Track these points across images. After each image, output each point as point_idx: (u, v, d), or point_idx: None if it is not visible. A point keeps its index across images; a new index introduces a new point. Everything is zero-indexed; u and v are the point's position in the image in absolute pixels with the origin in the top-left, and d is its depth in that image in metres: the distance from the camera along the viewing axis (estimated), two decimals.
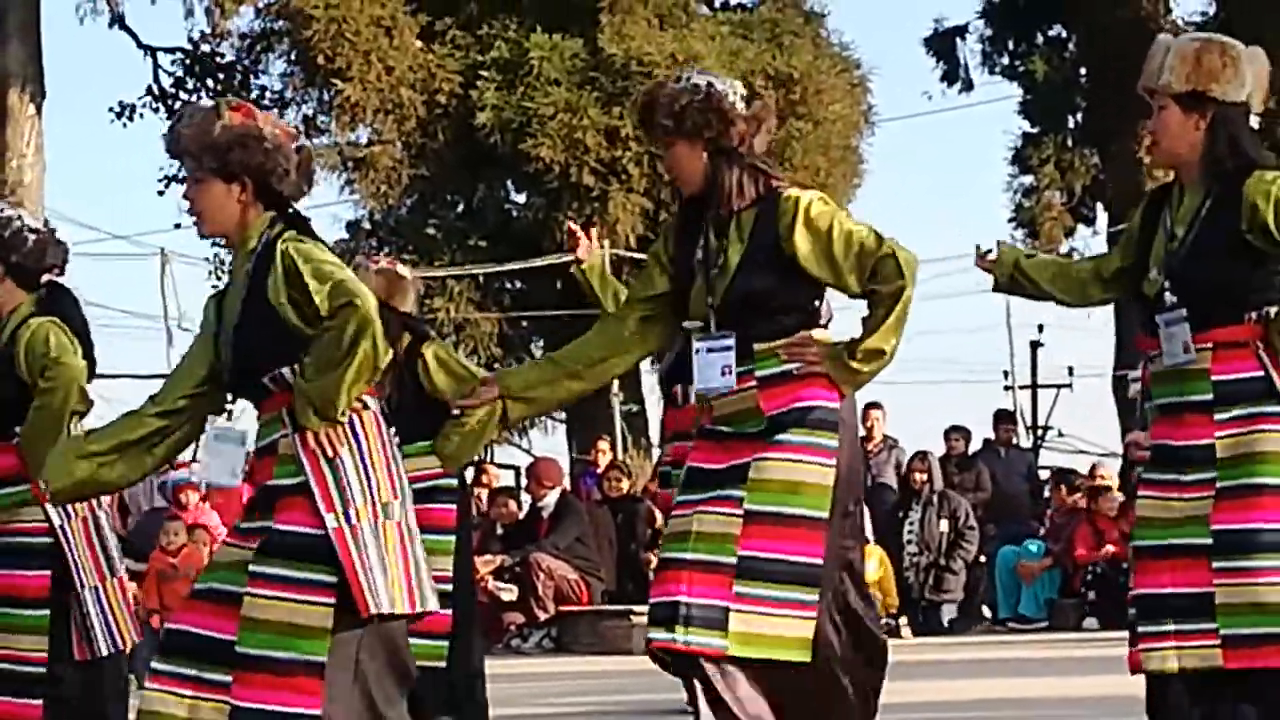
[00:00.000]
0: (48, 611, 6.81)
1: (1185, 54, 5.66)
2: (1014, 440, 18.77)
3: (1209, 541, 5.59)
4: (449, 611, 9.15)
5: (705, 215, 5.67)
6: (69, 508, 6.80)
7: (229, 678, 4.92)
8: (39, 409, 6.73)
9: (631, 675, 9.81)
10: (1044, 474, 19.61)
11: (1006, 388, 23.26)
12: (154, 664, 5.09)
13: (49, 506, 6.80)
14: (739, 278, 5.57)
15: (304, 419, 5.01)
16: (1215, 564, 5.58)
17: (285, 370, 5.07)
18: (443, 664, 9.15)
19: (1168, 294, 5.67)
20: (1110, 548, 15.19)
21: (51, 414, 6.74)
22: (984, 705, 8.79)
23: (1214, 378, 5.62)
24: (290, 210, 5.22)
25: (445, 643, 9.11)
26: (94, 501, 6.88)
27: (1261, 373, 5.60)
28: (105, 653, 6.83)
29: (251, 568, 4.96)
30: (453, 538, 9.25)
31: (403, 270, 9.25)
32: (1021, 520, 17.25)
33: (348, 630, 4.97)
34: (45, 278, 7.03)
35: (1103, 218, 27.87)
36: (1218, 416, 5.61)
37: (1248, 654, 5.57)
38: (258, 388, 5.16)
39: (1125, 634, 5.87)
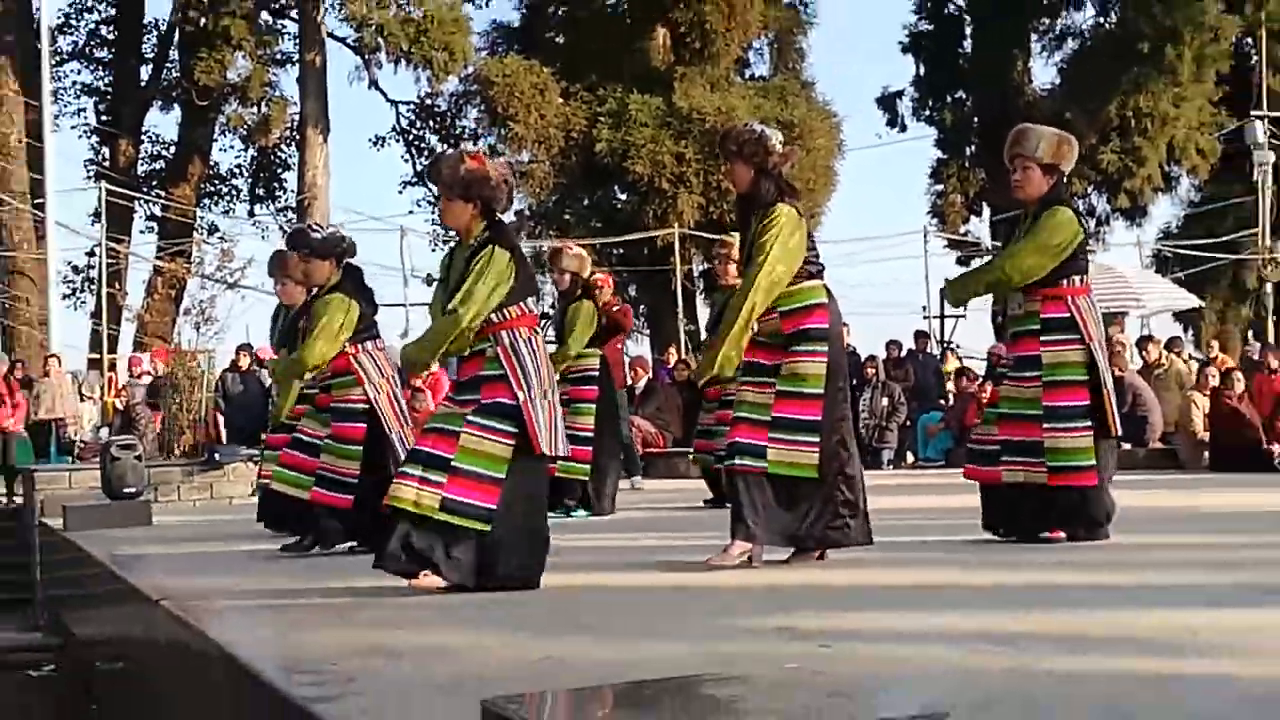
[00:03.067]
0: (362, 448, 6.98)
1: (1052, 140, 6.03)
2: (929, 349, 18.70)
3: (1040, 412, 5.98)
4: (590, 449, 9.22)
5: (750, 212, 5.74)
6: (377, 385, 6.94)
7: (444, 479, 4.99)
8: (299, 350, 7.06)
9: (686, 492, 9.89)
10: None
11: (925, 317, 23.12)
12: (400, 468, 5.17)
13: (366, 387, 6.95)
14: (745, 256, 5.67)
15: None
16: (1044, 425, 5.97)
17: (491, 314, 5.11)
18: (586, 478, 9.26)
19: None
20: None
21: (296, 364, 7.08)
22: (905, 513, 8.83)
23: (1042, 316, 5.98)
24: (498, 218, 5.28)
25: (588, 466, 9.21)
26: (393, 384, 7.04)
27: (1068, 314, 5.96)
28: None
29: (469, 417, 5.04)
30: (594, 405, 9.32)
31: (583, 252, 9.59)
32: (932, 400, 17.20)
33: (520, 465, 5.06)
34: (344, 261, 7.14)
35: (986, 212, 27.93)
36: (1043, 339, 5.99)
37: (1061, 478, 5.95)
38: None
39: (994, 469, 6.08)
